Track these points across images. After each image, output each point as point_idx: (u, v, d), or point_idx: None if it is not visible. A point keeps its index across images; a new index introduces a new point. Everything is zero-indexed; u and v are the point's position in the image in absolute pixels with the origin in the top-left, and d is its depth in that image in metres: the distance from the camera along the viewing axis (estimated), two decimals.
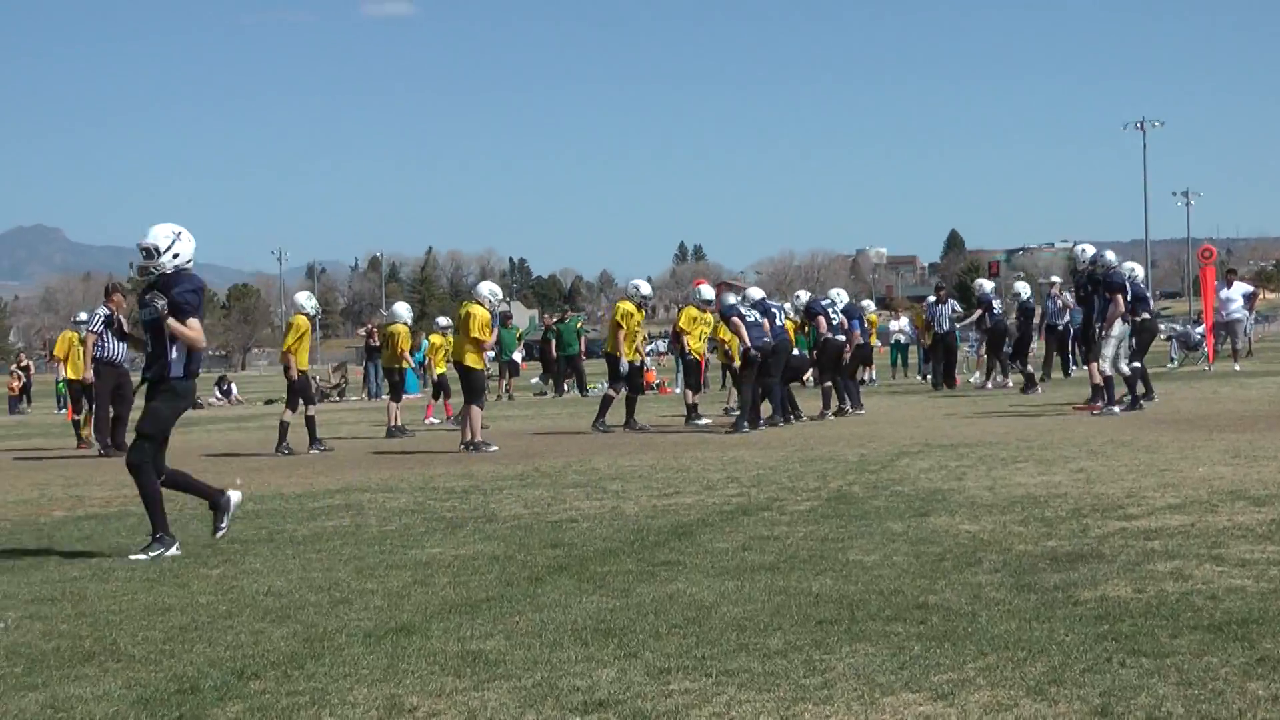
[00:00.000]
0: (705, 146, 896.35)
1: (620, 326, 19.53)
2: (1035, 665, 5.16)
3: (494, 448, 16.49)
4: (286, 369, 17.86)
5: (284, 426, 17.84)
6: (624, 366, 19.45)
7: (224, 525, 9.41)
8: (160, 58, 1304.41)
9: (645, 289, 20.71)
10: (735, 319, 18.50)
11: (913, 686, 4.97)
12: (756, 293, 20.07)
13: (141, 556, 8.75)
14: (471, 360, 17.15)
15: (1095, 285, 18.53)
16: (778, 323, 19.23)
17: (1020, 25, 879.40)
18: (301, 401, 17.97)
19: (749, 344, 18.22)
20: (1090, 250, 19.22)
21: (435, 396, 24.90)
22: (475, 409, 16.94)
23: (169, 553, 8.84)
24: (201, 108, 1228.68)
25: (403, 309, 22.59)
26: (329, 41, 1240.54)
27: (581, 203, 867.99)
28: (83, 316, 22.51)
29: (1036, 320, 27.56)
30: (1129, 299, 18.33)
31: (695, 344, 20.85)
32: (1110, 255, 19.02)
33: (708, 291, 21.86)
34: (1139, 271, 20.65)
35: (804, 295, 22.05)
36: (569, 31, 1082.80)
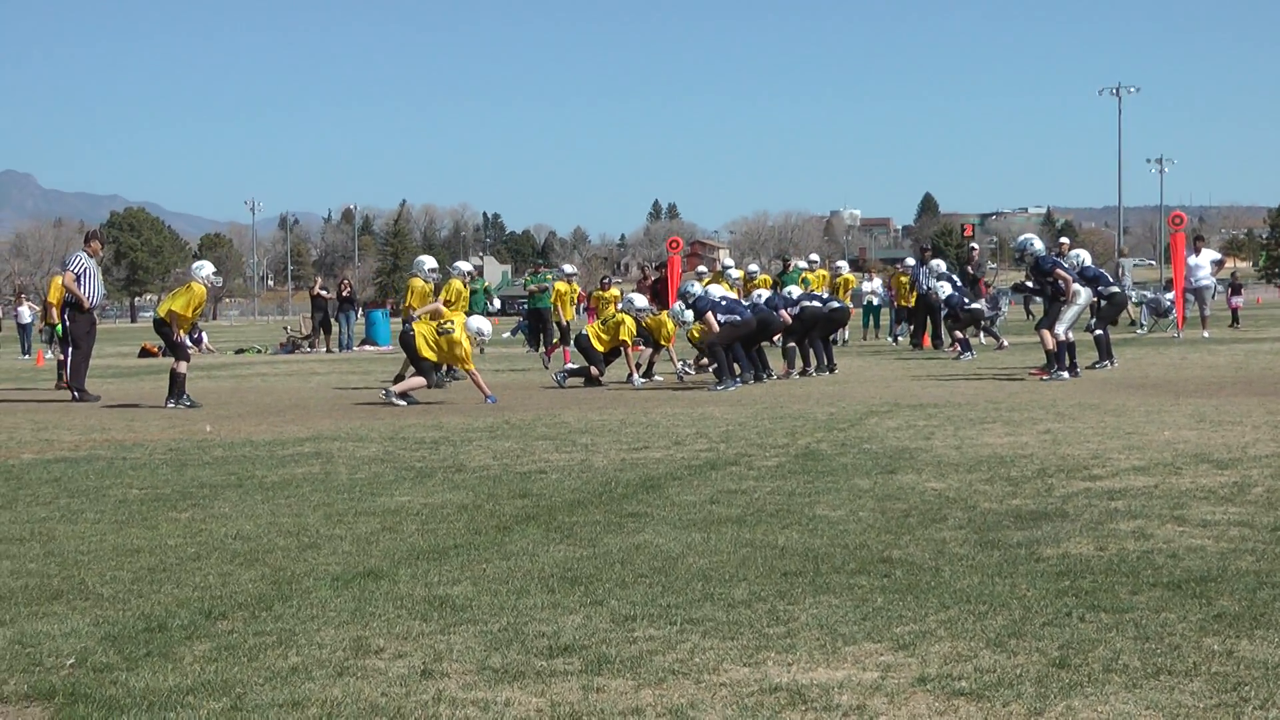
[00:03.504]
0: (681, 105, 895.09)
1: (617, 326, 19.81)
2: (996, 618, 5.23)
3: (403, 403, 16.47)
4: (174, 330, 17.30)
5: (181, 379, 17.30)
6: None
7: None
8: (134, 3, 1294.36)
9: (640, 302, 20.91)
10: (709, 315, 18.41)
11: (874, 637, 5.03)
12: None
13: None
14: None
15: (1037, 275, 18.92)
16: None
17: None
18: (179, 356, 17.47)
19: (717, 335, 18.25)
20: (1034, 244, 19.46)
21: (565, 342, 26.27)
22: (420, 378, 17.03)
23: None
24: (176, 55, 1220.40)
25: (425, 261, 21.79)
26: None
27: (557, 159, 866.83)
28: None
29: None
30: (1076, 278, 18.67)
31: None
32: (1037, 245, 19.42)
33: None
34: (1086, 256, 20.84)
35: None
36: None
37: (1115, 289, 20.86)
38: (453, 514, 8.04)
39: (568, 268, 29.46)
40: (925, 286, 28.00)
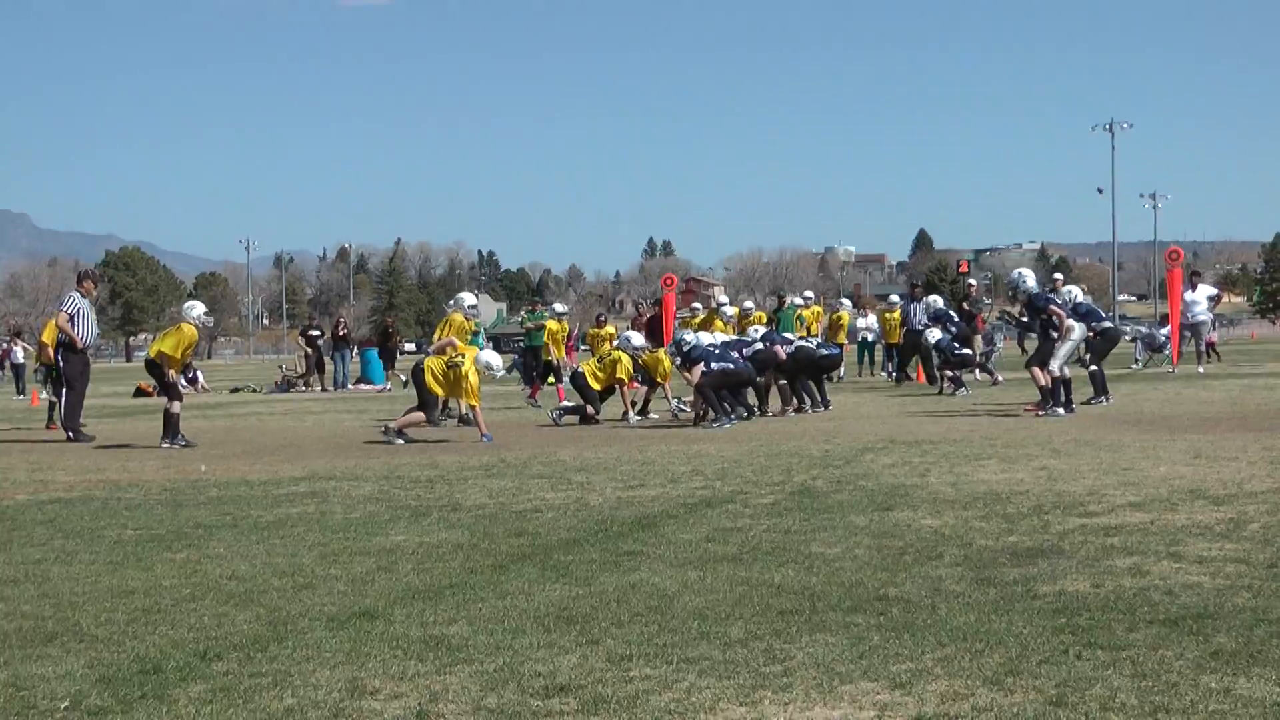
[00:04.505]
0: (676, 142, 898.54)
1: (613, 364, 19.86)
2: (993, 656, 5.22)
3: (400, 442, 16.45)
4: (166, 370, 17.28)
5: (175, 418, 17.19)
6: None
7: None
8: (131, 43, 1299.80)
9: (637, 340, 20.98)
10: (696, 366, 18.31)
11: (871, 675, 5.02)
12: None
13: None
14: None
15: (1031, 312, 18.98)
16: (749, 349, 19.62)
17: (991, 25, 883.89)
18: (172, 396, 17.40)
19: (708, 379, 18.18)
20: (1028, 281, 19.43)
21: (557, 379, 26.41)
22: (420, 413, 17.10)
23: None
24: (172, 95, 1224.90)
25: (465, 298, 21.77)
26: (304, 31, 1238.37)
27: (551, 196, 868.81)
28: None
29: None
30: (1069, 313, 18.72)
31: None
32: (1030, 282, 19.42)
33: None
34: (1077, 292, 20.89)
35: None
36: (542, 26, 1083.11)
37: (1108, 324, 20.93)
38: (448, 553, 8.02)
39: (559, 306, 29.56)
40: (919, 321, 27.99)
